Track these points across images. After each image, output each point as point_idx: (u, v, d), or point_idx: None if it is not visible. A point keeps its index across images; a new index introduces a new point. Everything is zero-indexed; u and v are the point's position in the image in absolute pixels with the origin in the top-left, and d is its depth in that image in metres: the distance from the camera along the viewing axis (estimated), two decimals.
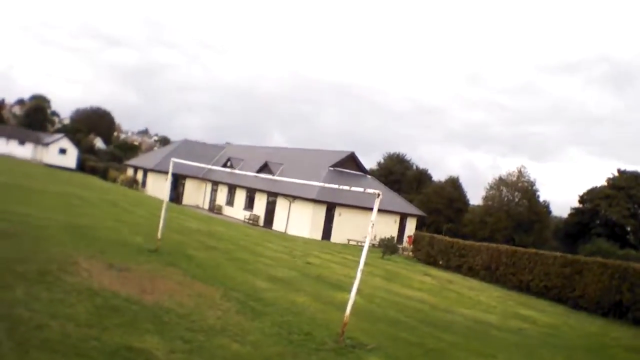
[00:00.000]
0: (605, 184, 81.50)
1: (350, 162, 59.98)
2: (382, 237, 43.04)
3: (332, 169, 57.08)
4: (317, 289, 19.73)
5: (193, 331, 10.81)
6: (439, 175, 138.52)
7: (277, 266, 23.71)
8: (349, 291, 17.72)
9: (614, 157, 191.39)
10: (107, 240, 20.13)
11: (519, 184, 78.13)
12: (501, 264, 35.45)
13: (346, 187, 14.06)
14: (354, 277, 12.92)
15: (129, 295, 12.60)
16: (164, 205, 21.43)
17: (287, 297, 16.63)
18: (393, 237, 44.75)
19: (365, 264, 12.44)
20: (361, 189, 13.90)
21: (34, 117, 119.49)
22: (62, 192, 38.71)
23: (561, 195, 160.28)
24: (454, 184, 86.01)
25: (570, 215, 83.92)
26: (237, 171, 19.74)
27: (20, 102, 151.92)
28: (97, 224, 24.37)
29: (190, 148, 71.49)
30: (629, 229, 77.90)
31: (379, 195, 12.44)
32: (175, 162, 21.51)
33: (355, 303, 16.07)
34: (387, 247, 41.76)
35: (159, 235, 20.69)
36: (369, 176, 63.19)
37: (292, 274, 22.18)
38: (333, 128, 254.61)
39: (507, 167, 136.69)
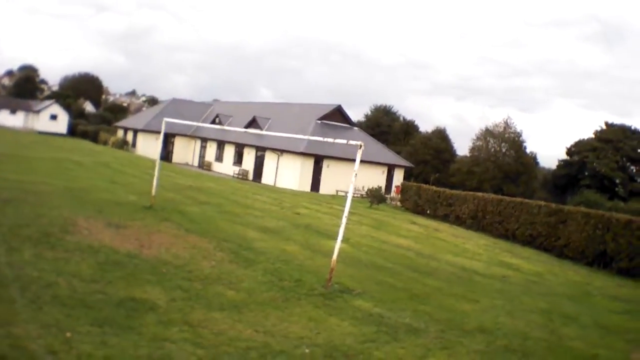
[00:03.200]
0: (593, 136, 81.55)
1: (337, 114, 60.21)
2: (370, 187, 43.64)
3: (319, 121, 57.35)
4: (305, 237, 20.45)
5: (190, 280, 11.58)
6: (426, 126, 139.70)
7: (266, 217, 24.40)
8: (336, 239, 18.54)
9: (602, 109, 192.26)
10: (102, 200, 20.77)
11: (506, 135, 78.38)
12: (487, 213, 35.85)
13: (330, 140, 14.66)
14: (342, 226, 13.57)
15: (129, 250, 13.36)
16: (157, 164, 22.06)
17: (277, 246, 17.38)
18: (380, 187, 45.31)
19: (353, 213, 13.13)
20: (344, 141, 14.59)
21: (24, 87, 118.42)
22: (55, 157, 39.06)
23: (550, 148, 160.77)
24: (441, 134, 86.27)
25: (558, 167, 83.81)
26: (226, 127, 20.37)
27: (9, 73, 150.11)
28: (92, 186, 24.98)
29: (179, 107, 71.47)
30: (617, 181, 77.70)
31: (361, 146, 13.14)
32: (167, 121, 22.11)
33: (342, 250, 16.91)
34: (374, 197, 42.40)
35: (153, 192, 21.40)
36: (355, 128, 63.54)
37: (281, 224, 22.88)
38: (321, 83, 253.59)
39: (496, 118, 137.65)
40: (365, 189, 43.87)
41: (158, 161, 22.33)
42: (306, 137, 15.58)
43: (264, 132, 22.39)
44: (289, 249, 17.25)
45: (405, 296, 13.87)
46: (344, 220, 13.49)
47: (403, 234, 27.16)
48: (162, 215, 19.46)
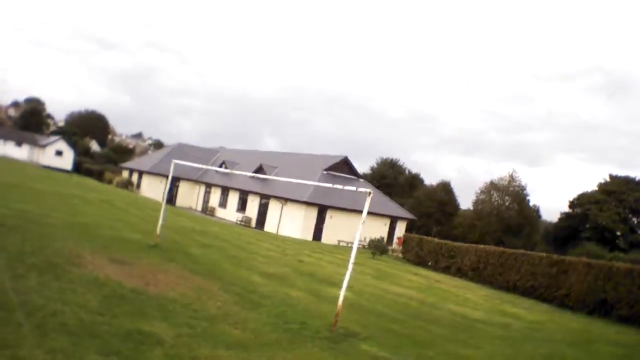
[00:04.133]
0: (597, 188, 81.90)
1: (344, 166, 60.67)
2: (372, 238, 43.69)
3: (325, 172, 57.74)
4: (309, 284, 20.45)
5: (196, 318, 11.57)
6: (431, 179, 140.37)
7: (270, 263, 24.39)
8: (340, 287, 18.54)
9: (605, 163, 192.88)
10: (107, 237, 20.80)
11: (510, 189, 78.80)
12: (489, 265, 36.03)
13: (339, 187, 14.83)
14: (345, 274, 13.64)
15: (135, 286, 13.36)
16: (163, 204, 22.31)
17: (281, 291, 17.37)
18: (383, 238, 45.38)
19: (356, 263, 13.26)
20: (354, 188, 14.76)
21: (30, 120, 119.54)
22: (60, 192, 39.27)
23: (553, 201, 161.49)
24: (445, 188, 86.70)
25: (560, 219, 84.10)
26: (235, 172, 20.63)
27: (15, 104, 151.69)
28: (97, 222, 25.03)
29: (185, 151, 72.03)
30: (618, 233, 77.96)
31: (369, 193, 13.27)
32: (175, 163, 22.32)
33: (346, 298, 16.89)
34: (376, 248, 42.47)
35: (158, 232, 21.51)
36: (361, 180, 63.91)
37: (285, 270, 22.89)
38: (326, 134, 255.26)
39: (500, 172, 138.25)
40: (368, 240, 43.90)
41: (164, 201, 22.55)
42: (314, 183, 15.74)
43: (272, 177, 22.52)
44: (294, 294, 17.22)
45: (409, 342, 13.90)
46: (350, 266, 13.57)
47: (405, 284, 27.17)
48: (167, 255, 19.48)
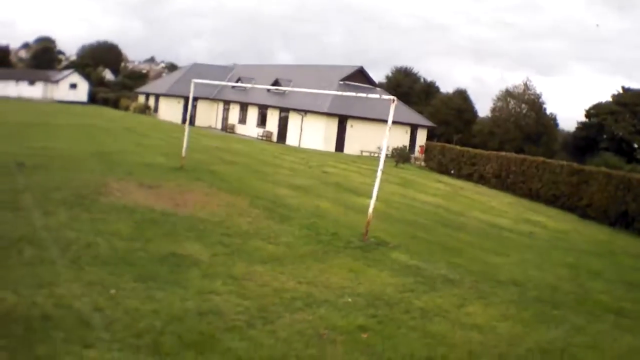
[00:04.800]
0: (611, 100, 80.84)
1: (359, 75, 59.82)
2: (395, 147, 43.62)
3: (341, 82, 56.93)
4: (336, 195, 20.63)
5: (229, 236, 11.70)
6: (446, 87, 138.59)
7: (295, 176, 24.60)
8: (367, 196, 18.64)
9: (619, 74, 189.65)
10: (132, 162, 20.93)
11: (526, 97, 77.71)
12: (511, 172, 35.86)
13: (363, 95, 14.69)
14: (371, 184, 13.71)
15: (164, 209, 13.47)
16: (186, 126, 22.33)
17: (310, 203, 17.55)
18: (405, 147, 45.24)
19: (383, 172, 13.22)
20: (377, 96, 14.65)
21: (42, 58, 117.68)
22: (79, 124, 39.40)
23: (567, 110, 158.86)
24: (462, 95, 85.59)
25: (578, 129, 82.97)
26: (250, 85, 20.46)
27: (26, 46, 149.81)
28: (120, 149, 25.23)
29: (200, 71, 71.14)
30: (635, 145, 77.47)
31: (394, 100, 13.20)
32: (195, 82, 22.19)
33: (375, 207, 17.04)
34: (400, 156, 42.51)
35: (183, 153, 21.55)
36: (378, 89, 63.21)
37: (311, 182, 23.08)
38: (339, 45, 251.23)
39: (514, 80, 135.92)
40: (390, 149, 43.85)
41: (187, 123, 22.58)
42: (335, 92, 15.61)
43: (292, 89, 22.23)
44: (322, 206, 17.39)
45: (439, 249, 14.04)
46: (379, 174, 13.58)
47: (431, 192, 27.27)
48: (193, 175, 19.63)
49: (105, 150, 24.39)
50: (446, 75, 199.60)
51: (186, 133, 21.91)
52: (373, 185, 13.79)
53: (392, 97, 13.36)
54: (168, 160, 22.83)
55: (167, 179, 18.07)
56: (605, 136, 77.94)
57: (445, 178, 37.70)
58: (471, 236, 17.07)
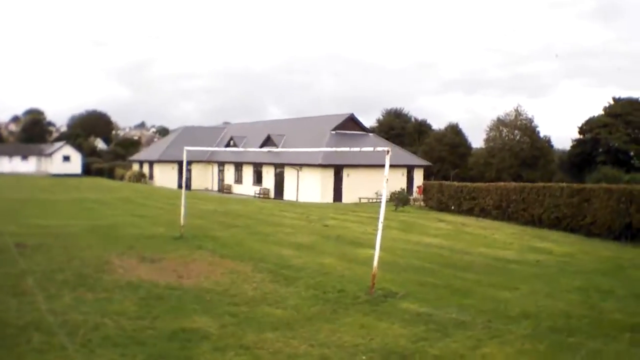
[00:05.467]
0: (603, 112, 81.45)
1: (351, 123, 60.28)
2: (393, 191, 43.59)
3: (334, 132, 57.40)
4: (339, 249, 20.45)
5: (236, 305, 11.65)
6: (439, 124, 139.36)
7: (297, 233, 24.44)
8: (369, 247, 18.56)
9: (609, 86, 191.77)
10: (131, 236, 20.98)
11: (518, 123, 78.44)
12: (511, 202, 35.76)
13: (356, 149, 14.77)
14: (372, 233, 13.67)
15: (168, 282, 13.48)
16: (183, 193, 22.31)
17: (313, 261, 17.42)
18: (404, 189, 45.20)
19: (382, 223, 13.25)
20: (371, 148, 14.74)
21: (32, 131, 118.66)
22: (75, 198, 39.45)
23: (562, 129, 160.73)
24: (454, 130, 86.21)
25: (573, 146, 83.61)
26: (242, 149, 20.57)
27: (15, 119, 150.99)
28: (118, 222, 25.21)
29: (192, 134, 71.81)
30: (632, 154, 78.02)
31: (388, 152, 13.30)
32: (187, 149, 22.30)
33: (379, 257, 16.97)
34: (399, 200, 42.43)
35: (182, 222, 21.53)
36: (371, 134, 63.58)
37: (313, 239, 22.91)
38: (330, 94, 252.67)
39: (505, 107, 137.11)
40: (388, 193, 43.78)
41: (183, 190, 22.54)
42: (328, 149, 15.69)
43: (282, 150, 22.36)
44: (326, 262, 17.26)
45: (448, 293, 13.91)
46: (380, 225, 13.67)
47: (432, 233, 27.08)
48: (194, 243, 19.64)
49: (103, 224, 24.48)
50: (438, 112, 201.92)
51: (183, 200, 21.90)
52: (374, 234, 13.78)
53: (386, 148, 13.44)
54: (168, 229, 22.81)
55: (168, 250, 18.13)
56: (600, 150, 78.36)
57: (446, 216, 37.56)
58: (478, 274, 16.89)
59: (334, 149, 14.71)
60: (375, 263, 13.33)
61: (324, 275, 15.17)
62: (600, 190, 29.70)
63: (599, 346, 9.75)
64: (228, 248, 19.15)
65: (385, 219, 31.02)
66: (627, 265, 20.01)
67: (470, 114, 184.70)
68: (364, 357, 8.74)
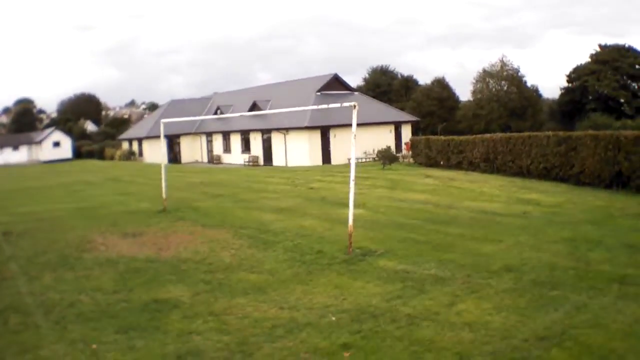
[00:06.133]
0: (590, 60, 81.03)
1: (335, 83, 59.71)
2: (379, 149, 43.48)
3: (318, 93, 56.89)
4: (322, 210, 20.38)
5: (211, 272, 11.66)
6: (426, 79, 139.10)
7: (281, 198, 24.35)
8: (355, 206, 18.40)
9: (595, 33, 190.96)
10: (115, 213, 20.95)
11: (504, 73, 77.99)
12: (499, 153, 35.35)
13: (336, 105, 14.69)
14: (358, 193, 13.53)
15: (147, 255, 13.51)
16: (163, 167, 22.14)
17: (294, 224, 17.36)
18: (389, 147, 44.65)
19: (367, 177, 13.16)
20: (338, 105, 14.67)
21: (22, 121, 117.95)
22: (62, 183, 39.20)
23: (551, 79, 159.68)
24: (441, 84, 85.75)
25: (561, 95, 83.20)
26: (224, 116, 20.37)
27: (6, 110, 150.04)
28: (104, 202, 25.13)
29: (179, 107, 71.20)
30: (622, 100, 77.65)
31: (355, 106, 13.19)
32: (165, 122, 22.10)
33: (361, 215, 17.00)
34: (385, 157, 42.08)
35: (164, 195, 21.44)
36: (356, 93, 62.98)
37: (296, 202, 22.84)
38: (316, 56, 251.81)
39: (492, 59, 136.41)
40: (375, 151, 43.64)
41: (163, 163, 22.40)
42: (309, 108, 15.61)
43: (263, 112, 22.17)
44: (307, 224, 17.21)
45: (429, 248, 13.77)
46: (352, 184, 13.51)
47: (419, 189, 26.86)
48: (176, 215, 19.61)
49: (89, 205, 24.34)
50: (425, 67, 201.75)
51: (163, 173, 21.78)
52: (360, 193, 13.69)
53: (353, 103, 13.32)
54: (152, 204, 22.67)
55: (150, 224, 18.10)
56: (590, 97, 78.06)
57: (434, 171, 37.25)
58: (462, 228, 16.70)
59: (312, 107, 14.45)
60: (350, 222, 13.23)
61: (303, 238, 15.11)
62: (586, 137, 28.87)
63: (583, 299, 9.55)
64: (210, 217, 19.08)
65: (372, 177, 31.43)
66: (618, 215, 19.49)
67: (459, 68, 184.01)
68: (333, 318, 8.68)
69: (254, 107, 59.74)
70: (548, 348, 7.52)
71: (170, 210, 20.53)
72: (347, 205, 20.45)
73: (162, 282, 10.99)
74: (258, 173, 41.47)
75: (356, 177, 31.20)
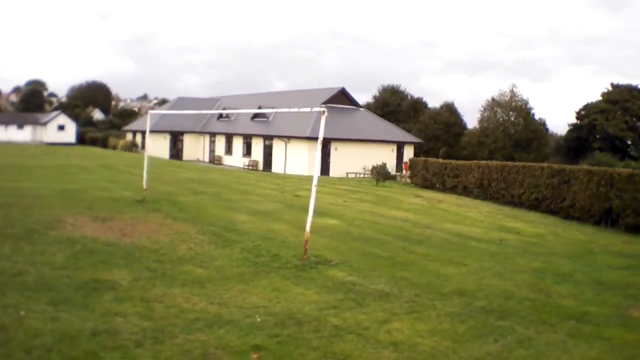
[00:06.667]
0: (601, 98, 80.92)
1: (342, 97, 59.99)
2: (374, 164, 43.41)
3: (323, 105, 57.08)
4: (298, 217, 20.05)
5: (161, 262, 11.71)
6: (437, 103, 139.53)
7: (263, 202, 24.33)
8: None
9: (611, 74, 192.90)
10: (96, 198, 20.98)
11: (513, 104, 77.85)
12: (493, 181, 35.36)
13: (285, 110, 14.78)
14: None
15: (108, 239, 13.57)
16: (145, 158, 22.25)
17: (264, 227, 17.34)
18: (385, 164, 44.36)
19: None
20: (308, 109, 14.86)
21: (31, 102, 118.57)
22: (59, 164, 39.42)
23: (562, 115, 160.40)
24: (449, 109, 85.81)
25: (569, 131, 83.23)
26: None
27: (17, 89, 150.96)
28: (90, 187, 25.20)
29: (185, 105, 71.34)
30: (629, 142, 77.84)
31: (324, 112, 13.25)
32: (152, 113, 22.24)
33: (334, 226, 17.06)
34: (379, 174, 42.24)
35: (144, 186, 21.56)
36: (362, 109, 63.40)
37: (276, 207, 22.85)
38: (333, 71, 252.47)
39: (522, 94, 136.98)
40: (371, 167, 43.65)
41: (146, 154, 22.56)
42: (269, 110, 15.61)
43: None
44: (277, 228, 17.21)
45: (387, 264, 13.63)
46: (314, 189, 13.55)
47: (404, 207, 26.79)
48: (153, 206, 19.65)
49: (75, 187, 24.42)
50: (440, 92, 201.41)
51: (145, 164, 21.95)
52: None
53: (323, 109, 13.43)
54: (134, 193, 22.73)
55: (125, 211, 18.12)
56: (597, 136, 77.97)
57: (427, 193, 37.32)
58: (430, 248, 16.51)
59: (268, 111, 14.38)
60: (307, 228, 13.25)
61: (266, 240, 15.10)
62: (580, 172, 28.95)
63: (530, 333, 9.17)
64: (185, 212, 19.11)
65: (362, 192, 31.49)
66: (598, 250, 19.31)
67: (472, 95, 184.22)
68: (258, 319, 8.63)
69: (258, 112, 60.13)
70: None
71: (149, 201, 20.58)
72: (325, 215, 20.77)
73: (110, 265, 11.06)
74: (252, 177, 41.52)
75: (346, 190, 31.72)
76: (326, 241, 15.10)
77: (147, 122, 25.86)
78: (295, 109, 17.63)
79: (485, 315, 9.95)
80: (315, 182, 13.54)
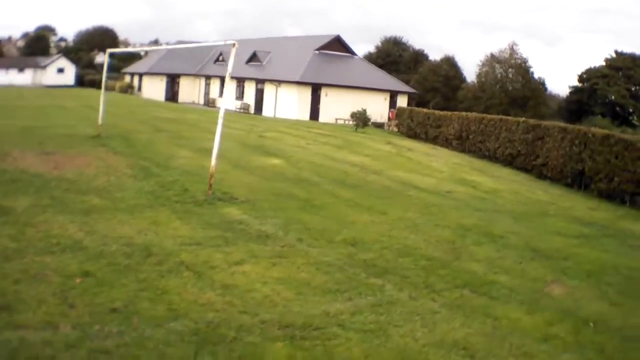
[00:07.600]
0: (604, 64, 80.00)
1: (337, 44, 59.41)
2: (354, 110, 43.48)
3: (317, 52, 57.10)
4: (242, 155, 20.42)
5: (67, 192, 12.20)
6: (436, 56, 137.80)
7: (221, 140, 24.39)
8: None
9: (620, 44, 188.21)
10: (53, 135, 21.23)
11: (512, 61, 77.08)
12: (470, 133, 34.99)
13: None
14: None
15: (38, 171, 14.03)
16: (102, 93, 22.65)
17: (197, 163, 17.28)
18: (365, 110, 43.58)
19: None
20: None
21: (36, 47, 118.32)
22: (41, 105, 39.30)
23: (565, 78, 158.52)
24: (449, 62, 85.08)
25: (570, 93, 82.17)
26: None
27: (25, 35, 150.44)
28: (56, 124, 25.48)
29: (183, 49, 71.32)
30: (631, 110, 77.21)
31: (234, 45, 13.57)
32: (110, 52, 22.53)
33: (274, 166, 17.44)
34: (359, 120, 42.29)
35: (100, 121, 21.99)
36: (356, 57, 63.06)
37: (227, 145, 22.23)
38: (348, 22, 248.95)
39: (522, 52, 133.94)
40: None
41: (103, 90, 22.95)
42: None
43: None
44: (208, 165, 17.19)
45: (297, 206, 13.51)
46: (219, 126, 13.92)
47: (365, 153, 26.37)
48: (101, 142, 20.06)
49: (40, 125, 24.64)
50: (451, 48, 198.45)
51: (102, 101, 22.31)
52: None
53: (233, 42, 13.77)
54: (95, 130, 22.75)
55: (72, 146, 18.54)
56: (598, 101, 77.21)
57: (404, 141, 36.81)
58: (359, 194, 16.11)
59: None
60: (212, 163, 13.48)
61: (188, 175, 15.48)
62: (555, 129, 27.99)
63: (400, 297, 8.32)
64: (130, 148, 19.57)
65: (334, 136, 31.75)
66: (552, 214, 17.95)
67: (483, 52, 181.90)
68: (113, 247, 8.87)
69: (253, 56, 60.33)
70: (281, 339, 6.53)
71: (102, 137, 21.04)
72: (276, 155, 21.03)
73: (20, 193, 11.58)
74: (231, 118, 41.51)
75: (318, 133, 31.88)
76: (251, 179, 15.46)
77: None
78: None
79: (360, 270, 9.24)
80: (221, 113, 14.01)
